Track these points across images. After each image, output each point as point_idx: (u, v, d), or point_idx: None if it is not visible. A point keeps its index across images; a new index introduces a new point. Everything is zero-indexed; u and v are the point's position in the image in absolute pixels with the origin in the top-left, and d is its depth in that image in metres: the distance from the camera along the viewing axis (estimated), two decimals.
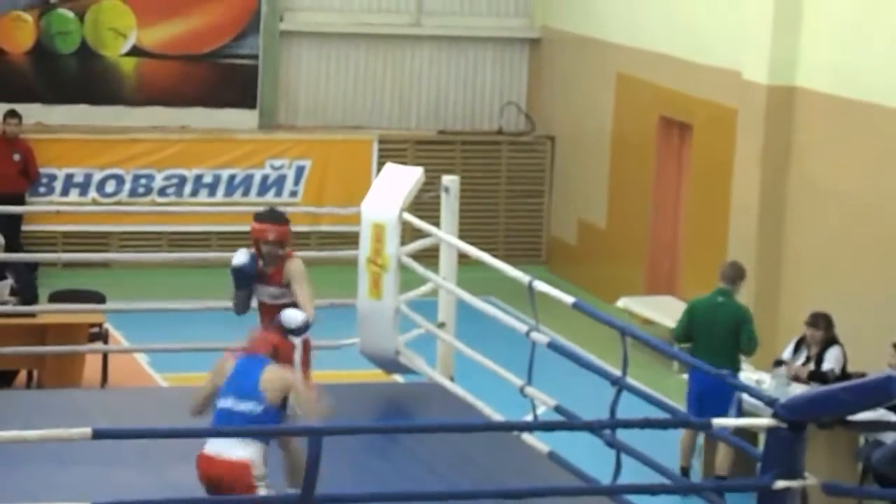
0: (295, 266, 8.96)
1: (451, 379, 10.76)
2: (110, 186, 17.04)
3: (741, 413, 11.40)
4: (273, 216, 9.10)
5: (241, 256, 8.94)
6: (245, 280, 8.94)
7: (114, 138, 17.01)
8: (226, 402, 7.85)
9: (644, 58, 16.09)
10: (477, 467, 8.76)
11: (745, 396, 11.15)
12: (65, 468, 8.62)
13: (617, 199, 16.77)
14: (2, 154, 16.23)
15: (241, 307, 9.25)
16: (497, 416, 9.89)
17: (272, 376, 7.85)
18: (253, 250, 9.06)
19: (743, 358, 11.83)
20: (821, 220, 13.42)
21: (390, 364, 11.16)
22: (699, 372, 11.16)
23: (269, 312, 8.91)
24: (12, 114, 16.35)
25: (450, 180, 11.05)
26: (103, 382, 12.55)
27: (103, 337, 12.66)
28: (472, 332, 10.98)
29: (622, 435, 8.48)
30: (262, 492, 7.73)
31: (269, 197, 17.36)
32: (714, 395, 11.31)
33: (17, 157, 16.31)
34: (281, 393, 7.84)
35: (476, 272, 11.44)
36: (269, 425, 7.77)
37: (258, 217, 9.07)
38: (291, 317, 8.47)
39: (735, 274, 11.87)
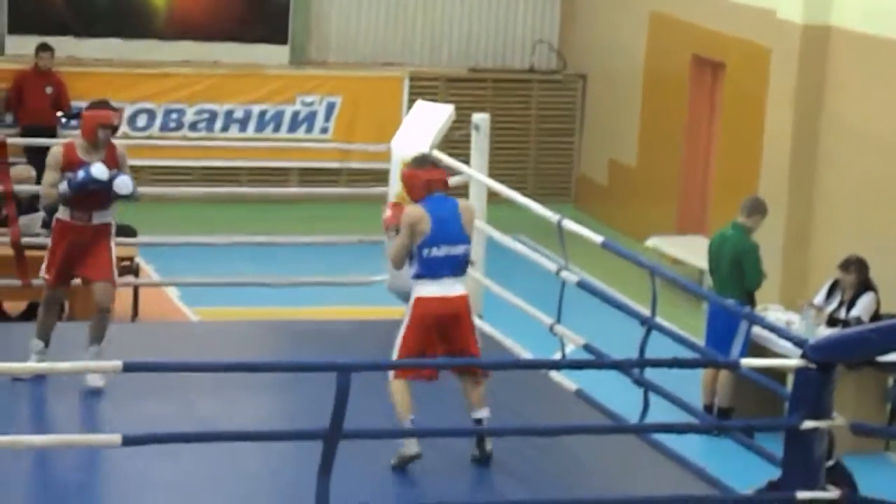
0: (124, 150, 8.97)
1: (480, 317, 10.77)
2: (142, 120, 17.07)
3: (749, 344, 11.43)
4: (108, 104, 9.01)
5: (103, 170, 8.75)
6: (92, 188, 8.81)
7: (145, 72, 17.02)
8: (440, 251, 8.00)
9: None
10: (504, 405, 8.78)
11: (756, 329, 11.19)
12: (95, 400, 8.69)
13: (648, 138, 16.72)
14: (34, 87, 16.26)
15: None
16: (525, 354, 9.91)
17: (469, 217, 8.15)
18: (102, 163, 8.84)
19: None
20: (853, 161, 13.35)
21: None
22: (712, 304, 11.24)
23: (96, 194, 8.79)
24: (45, 47, 16.37)
25: (480, 118, 11.02)
26: (134, 316, 12.62)
27: (134, 270, 12.72)
28: (501, 270, 10.99)
29: (650, 374, 8.50)
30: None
31: (300, 133, 17.37)
32: (725, 326, 11.39)
33: (49, 90, 16.34)
34: (471, 230, 8.18)
35: (505, 210, 11.43)
36: (467, 263, 8.13)
37: (97, 105, 8.94)
38: (126, 182, 8.71)
39: (751, 206, 11.82)
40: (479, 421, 8.14)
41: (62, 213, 8.88)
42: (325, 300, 12.59)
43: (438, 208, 8.05)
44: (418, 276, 8.06)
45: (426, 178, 8.11)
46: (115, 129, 8.84)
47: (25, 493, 7.72)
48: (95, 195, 8.79)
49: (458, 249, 8.07)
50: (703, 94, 15.95)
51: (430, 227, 7.99)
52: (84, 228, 8.83)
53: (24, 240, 11.30)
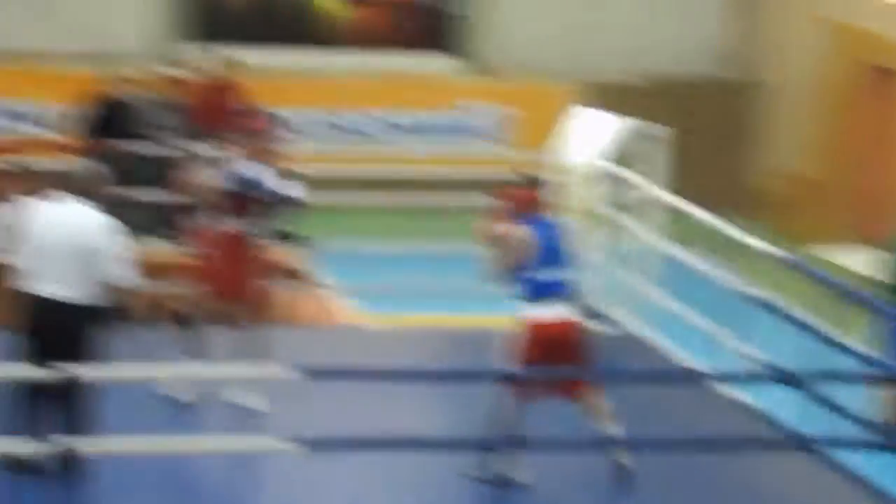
0: (289, 162, 9.07)
1: (653, 330, 10.70)
2: (316, 129, 17.26)
3: None
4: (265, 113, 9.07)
5: (255, 171, 8.78)
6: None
7: (321, 81, 17.21)
8: (546, 274, 7.92)
9: (857, 4, 15.70)
10: (678, 417, 8.71)
11: None
12: (273, 405, 8.79)
13: (827, 148, 16.45)
14: (214, 96, 16.51)
15: None
16: (697, 368, 9.80)
17: (571, 233, 8.06)
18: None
19: None
20: None
21: (592, 312, 11.13)
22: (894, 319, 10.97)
23: (247, 200, 8.87)
24: (224, 56, 16.63)
25: (653, 128, 10.95)
26: (306, 322, 12.74)
27: (307, 277, 12.84)
28: (676, 284, 10.89)
29: (827, 390, 8.34)
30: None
31: (470, 142, 17.41)
32: None
33: (228, 98, 16.58)
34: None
35: (682, 223, 11.32)
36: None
37: (251, 114, 8.99)
38: (283, 185, 8.77)
39: None
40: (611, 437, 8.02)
41: (212, 221, 8.91)
42: (500, 309, 12.58)
43: (544, 232, 7.99)
44: (525, 299, 7.99)
45: (530, 199, 8.04)
46: (270, 137, 8.90)
47: (198, 495, 7.83)
48: (246, 201, 8.83)
49: (565, 273, 8.01)
50: (883, 103, 15.65)
51: (536, 251, 7.95)
52: (233, 237, 8.86)
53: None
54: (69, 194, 7.76)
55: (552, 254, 7.98)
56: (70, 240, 7.62)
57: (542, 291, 7.96)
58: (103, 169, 7.97)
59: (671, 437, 8.28)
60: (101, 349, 7.62)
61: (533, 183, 8.14)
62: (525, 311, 7.98)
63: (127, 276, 7.62)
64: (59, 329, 7.61)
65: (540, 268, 7.95)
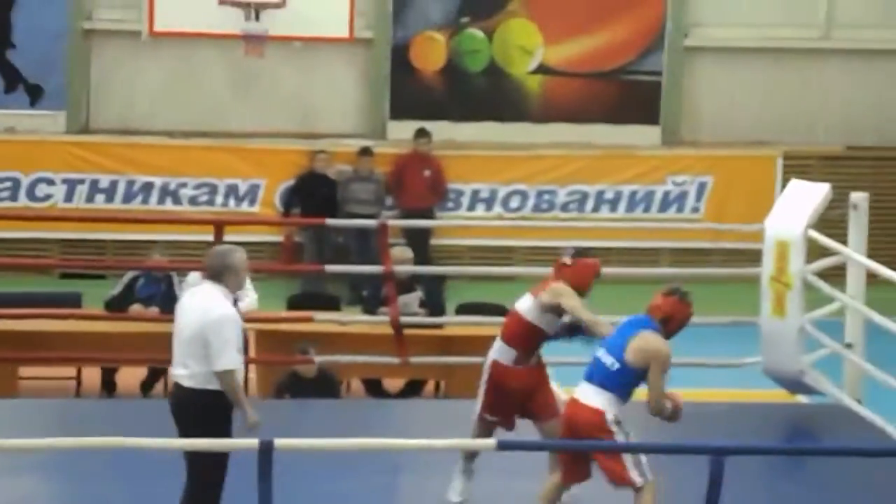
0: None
1: (859, 401, 10.46)
2: (515, 202, 17.35)
3: None
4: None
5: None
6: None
7: (518, 154, 17.32)
8: (599, 351, 8.05)
9: None
10: (887, 494, 8.47)
11: None
12: (470, 477, 8.79)
13: None
14: (413, 170, 16.75)
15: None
16: None
17: (639, 344, 7.90)
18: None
19: None
20: None
21: (795, 384, 10.94)
22: None
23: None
24: (423, 132, 16.86)
25: (858, 197, 10.76)
26: None
27: None
28: (882, 354, 10.63)
29: None
30: (619, 438, 7.88)
31: (671, 213, 17.31)
32: None
33: (427, 173, 16.80)
34: (642, 362, 7.89)
35: (886, 292, 11.08)
36: (619, 382, 7.90)
37: (585, 252, 8.83)
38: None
39: None
40: None
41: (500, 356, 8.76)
42: (696, 382, 12.45)
43: (627, 322, 8.05)
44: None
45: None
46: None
47: None
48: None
49: (607, 359, 7.95)
50: None
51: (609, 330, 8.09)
52: (521, 372, 8.77)
53: (403, 318, 11.62)
54: (207, 277, 7.68)
55: (610, 340, 8.04)
56: (187, 325, 7.64)
57: (589, 367, 8.04)
58: (238, 250, 7.78)
59: None
60: (215, 433, 7.52)
61: (676, 293, 8.09)
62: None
63: (227, 360, 7.53)
64: (179, 412, 7.69)
65: (599, 346, 8.05)
